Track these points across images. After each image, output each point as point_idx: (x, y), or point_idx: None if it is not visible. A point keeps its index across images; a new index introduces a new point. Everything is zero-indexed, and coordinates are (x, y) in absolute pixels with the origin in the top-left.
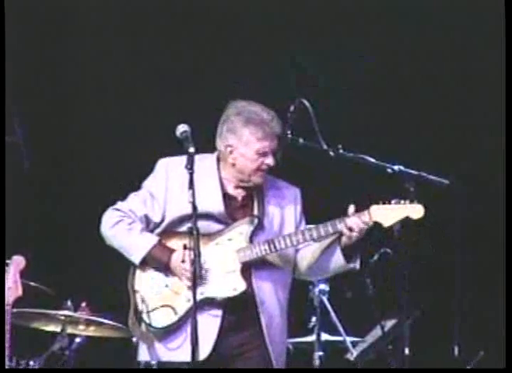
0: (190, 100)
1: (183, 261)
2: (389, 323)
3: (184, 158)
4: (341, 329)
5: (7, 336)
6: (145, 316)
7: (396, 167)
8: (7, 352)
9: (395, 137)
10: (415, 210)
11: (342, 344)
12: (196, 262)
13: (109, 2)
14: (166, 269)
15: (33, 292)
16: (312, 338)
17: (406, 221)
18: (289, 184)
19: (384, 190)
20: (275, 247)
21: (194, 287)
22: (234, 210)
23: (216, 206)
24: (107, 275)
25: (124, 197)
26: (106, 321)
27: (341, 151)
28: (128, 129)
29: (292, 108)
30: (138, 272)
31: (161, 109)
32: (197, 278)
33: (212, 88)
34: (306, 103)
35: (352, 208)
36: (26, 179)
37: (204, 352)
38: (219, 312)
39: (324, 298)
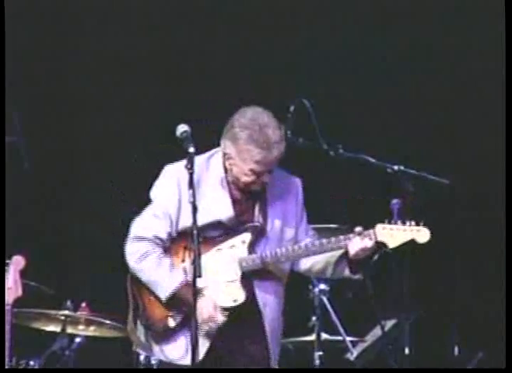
0: (190, 100)
1: (183, 260)
2: (389, 323)
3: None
4: (341, 329)
5: (7, 336)
6: (144, 321)
7: (396, 167)
8: (7, 352)
9: (395, 137)
10: (421, 234)
11: (342, 344)
12: (196, 262)
13: (109, 3)
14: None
15: (33, 292)
16: (312, 338)
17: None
18: (290, 175)
19: (384, 190)
20: (277, 259)
21: (194, 287)
22: (239, 213)
23: (226, 212)
24: (107, 275)
25: (124, 197)
26: (106, 321)
27: (341, 151)
28: (129, 129)
29: (292, 108)
30: (137, 278)
31: (161, 109)
32: (196, 277)
33: (213, 88)
34: (307, 103)
35: (358, 229)
36: (26, 179)
37: (200, 355)
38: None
39: (324, 298)
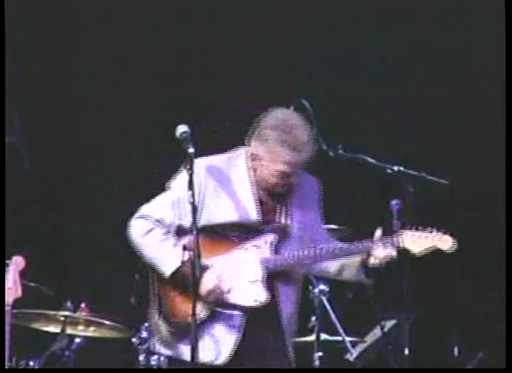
0: (190, 100)
1: (192, 267)
2: (389, 323)
3: (216, 159)
4: (340, 330)
5: (7, 336)
6: (167, 318)
7: (396, 167)
8: (7, 352)
9: (395, 137)
10: (444, 242)
11: (342, 344)
12: (196, 262)
13: (109, 3)
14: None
15: (33, 293)
16: (312, 338)
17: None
18: (309, 174)
19: (383, 191)
20: (302, 261)
21: (194, 287)
22: (263, 214)
23: (251, 213)
24: (107, 275)
25: (124, 197)
26: (105, 321)
27: (340, 151)
28: (129, 129)
29: (291, 108)
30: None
31: (161, 109)
32: (197, 279)
33: (213, 88)
34: (306, 103)
35: (379, 232)
36: (26, 179)
37: (224, 355)
38: (239, 318)
39: (324, 299)
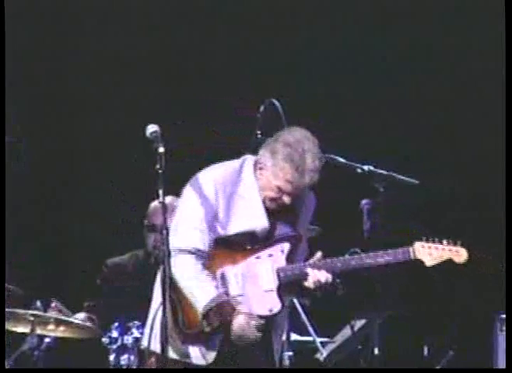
0: (190, 100)
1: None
2: (359, 323)
3: (222, 171)
4: (310, 329)
5: None
6: (181, 326)
7: (366, 167)
8: None
9: (395, 137)
10: (459, 254)
11: (312, 344)
12: (166, 262)
13: (109, 3)
14: (225, 324)
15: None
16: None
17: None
18: (310, 191)
19: (354, 190)
20: (318, 271)
21: (164, 288)
22: (273, 222)
23: (262, 223)
24: (77, 275)
25: (124, 197)
26: (75, 321)
27: None
28: (129, 129)
29: (262, 108)
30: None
31: (161, 109)
32: (167, 277)
33: (213, 88)
34: (276, 103)
35: (319, 255)
36: (26, 179)
37: (210, 357)
38: None
39: (294, 298)
